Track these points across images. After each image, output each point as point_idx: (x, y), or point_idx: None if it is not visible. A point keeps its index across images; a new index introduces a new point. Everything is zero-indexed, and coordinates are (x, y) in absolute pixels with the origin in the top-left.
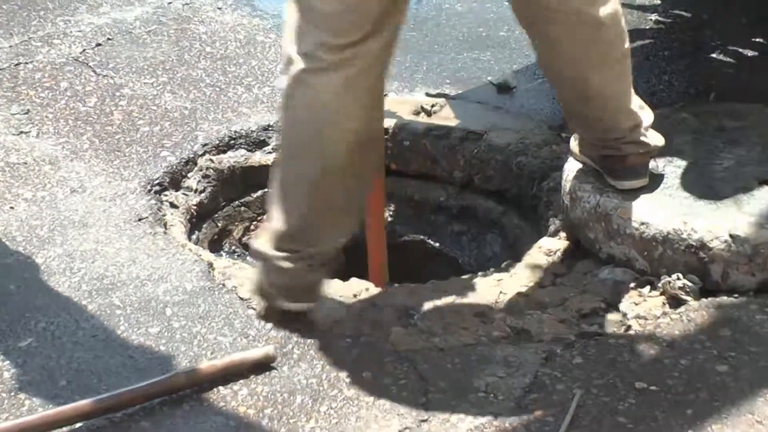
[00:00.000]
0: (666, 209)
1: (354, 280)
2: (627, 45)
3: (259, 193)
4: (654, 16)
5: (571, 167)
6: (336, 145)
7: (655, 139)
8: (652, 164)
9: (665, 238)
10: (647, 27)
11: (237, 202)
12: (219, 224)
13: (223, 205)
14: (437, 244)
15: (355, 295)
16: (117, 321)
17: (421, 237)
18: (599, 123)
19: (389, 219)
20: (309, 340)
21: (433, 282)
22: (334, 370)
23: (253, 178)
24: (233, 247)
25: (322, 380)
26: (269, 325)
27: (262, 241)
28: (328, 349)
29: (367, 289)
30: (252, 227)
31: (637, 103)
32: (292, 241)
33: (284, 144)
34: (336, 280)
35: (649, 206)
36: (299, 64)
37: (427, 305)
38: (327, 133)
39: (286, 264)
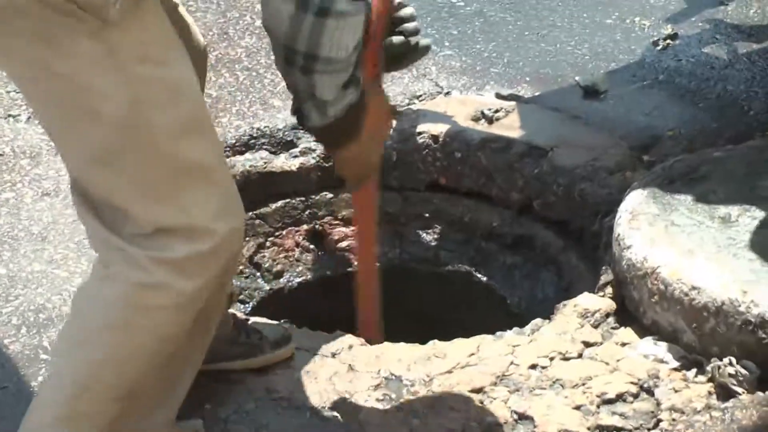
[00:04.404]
0: (725, 273)
1: (338, 334)
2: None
3: (279, 203)
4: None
5: (627, 207)
6: None
7: None
8: None
9: (718, 310)
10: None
11: (251, 214)
12: None
13: None
14: (485, 278)
15: (333, 354)
16: (38, 368)
17: (467, 268)
18: None
19: (433, 243)
20: (256, 412)
21: (434, 342)
22: None
23: (272, 185)
24: (241, 267)
25: None
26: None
27: None
28: (278, 426)
29: (350, 347)
30: (268, 244)
31: None
32: None
33: None
34: (318, 331)
35: (707, 267)
36: None
37: (419, 373)
38: None
39: None
